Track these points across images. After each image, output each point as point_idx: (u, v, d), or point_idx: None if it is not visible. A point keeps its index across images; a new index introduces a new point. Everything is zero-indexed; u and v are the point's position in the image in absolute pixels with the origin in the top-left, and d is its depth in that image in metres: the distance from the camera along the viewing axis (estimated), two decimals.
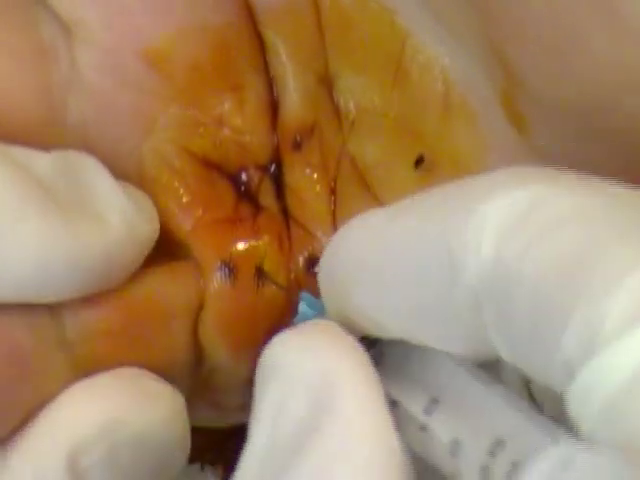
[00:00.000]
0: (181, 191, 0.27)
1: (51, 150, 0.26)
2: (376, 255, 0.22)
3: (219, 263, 0.26)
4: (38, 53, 0.26)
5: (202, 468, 0.32)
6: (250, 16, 0.27)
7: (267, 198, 0.27)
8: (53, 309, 0.24)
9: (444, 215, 0.20)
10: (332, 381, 0.20)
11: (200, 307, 0.26)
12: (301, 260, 0.27)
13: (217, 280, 0.26)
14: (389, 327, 0.22)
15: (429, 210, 0.21)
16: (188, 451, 0.26)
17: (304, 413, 0.20)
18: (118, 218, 0.25)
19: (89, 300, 0.25)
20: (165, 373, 0.25)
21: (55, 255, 0.23)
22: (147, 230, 0.26)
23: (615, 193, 0.19)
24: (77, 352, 0.25)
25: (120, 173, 0.26)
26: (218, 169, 0.27)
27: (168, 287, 0.26)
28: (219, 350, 0.26)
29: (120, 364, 0.25)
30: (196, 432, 0.26)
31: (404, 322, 0.22)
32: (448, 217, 0.20)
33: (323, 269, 0.25)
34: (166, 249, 0.26)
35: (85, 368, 0.25)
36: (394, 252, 0.21)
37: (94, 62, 0.26)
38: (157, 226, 0.26)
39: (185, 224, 0.27)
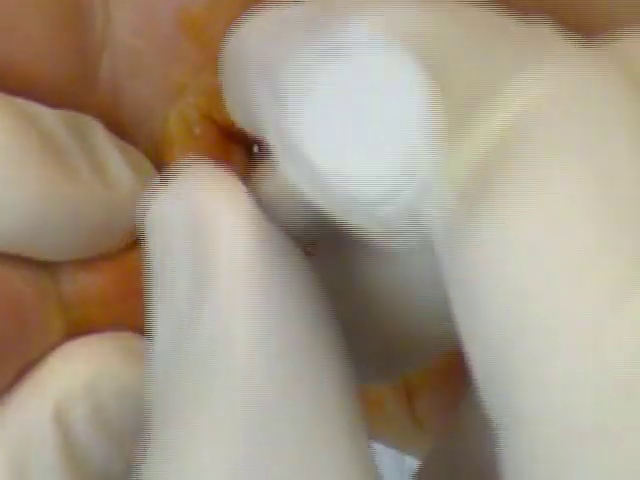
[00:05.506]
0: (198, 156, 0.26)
1: (80, 109, 0.26)
2: None
3: None
4: (74, 11, 0.25)
5: None
6: None
7: None
8: (52, 270, 0.24)
9: None
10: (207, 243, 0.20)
11: None
12: None
13: None
14: None
15: None
16: None
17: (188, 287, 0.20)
18: (121, 181, 0.25)
19: (86, 265, 0.25)
20: None
21: (54, 206, 0.23)
22: None
23: None
24: (71, 316, 0.25)
25: (145, 132, 0.26)
26: (236, 140, 0.27)
27: None
28: None
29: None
30: None
31: None
32: None
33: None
34: None
35: (78, 333, 0.25)
36: None
37: (129, 23, 0.26)
38: None
39: None
